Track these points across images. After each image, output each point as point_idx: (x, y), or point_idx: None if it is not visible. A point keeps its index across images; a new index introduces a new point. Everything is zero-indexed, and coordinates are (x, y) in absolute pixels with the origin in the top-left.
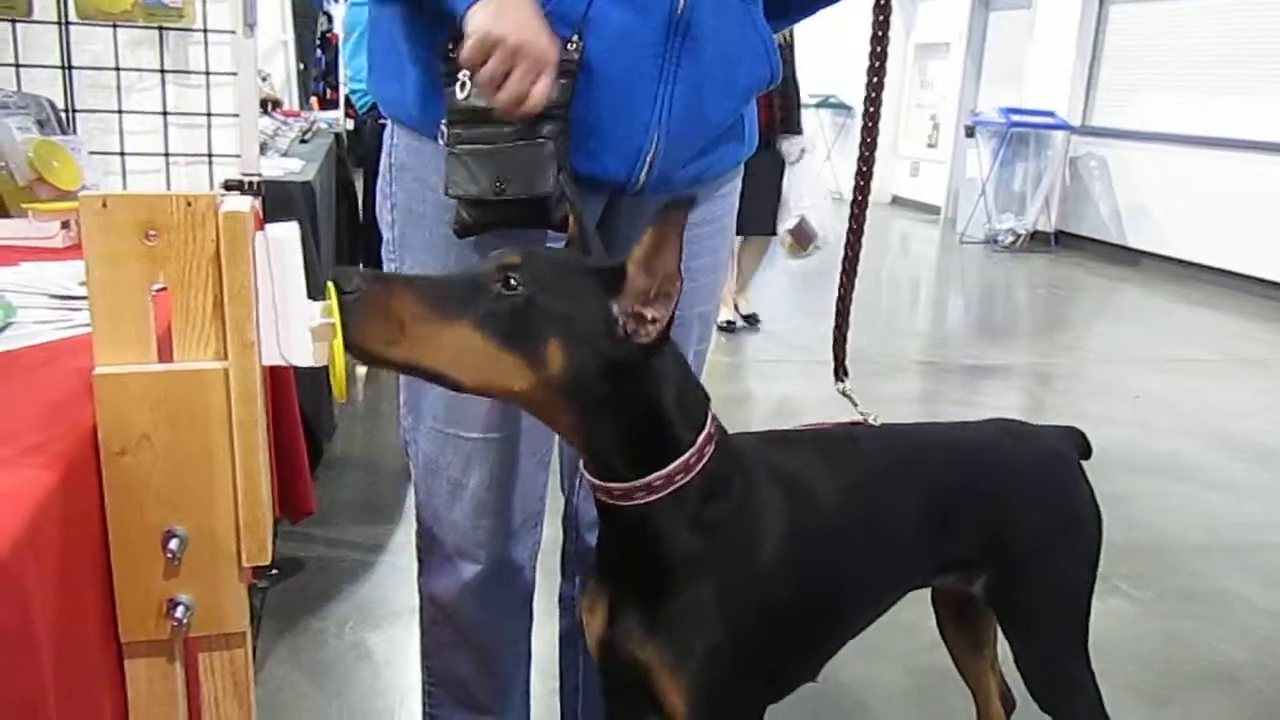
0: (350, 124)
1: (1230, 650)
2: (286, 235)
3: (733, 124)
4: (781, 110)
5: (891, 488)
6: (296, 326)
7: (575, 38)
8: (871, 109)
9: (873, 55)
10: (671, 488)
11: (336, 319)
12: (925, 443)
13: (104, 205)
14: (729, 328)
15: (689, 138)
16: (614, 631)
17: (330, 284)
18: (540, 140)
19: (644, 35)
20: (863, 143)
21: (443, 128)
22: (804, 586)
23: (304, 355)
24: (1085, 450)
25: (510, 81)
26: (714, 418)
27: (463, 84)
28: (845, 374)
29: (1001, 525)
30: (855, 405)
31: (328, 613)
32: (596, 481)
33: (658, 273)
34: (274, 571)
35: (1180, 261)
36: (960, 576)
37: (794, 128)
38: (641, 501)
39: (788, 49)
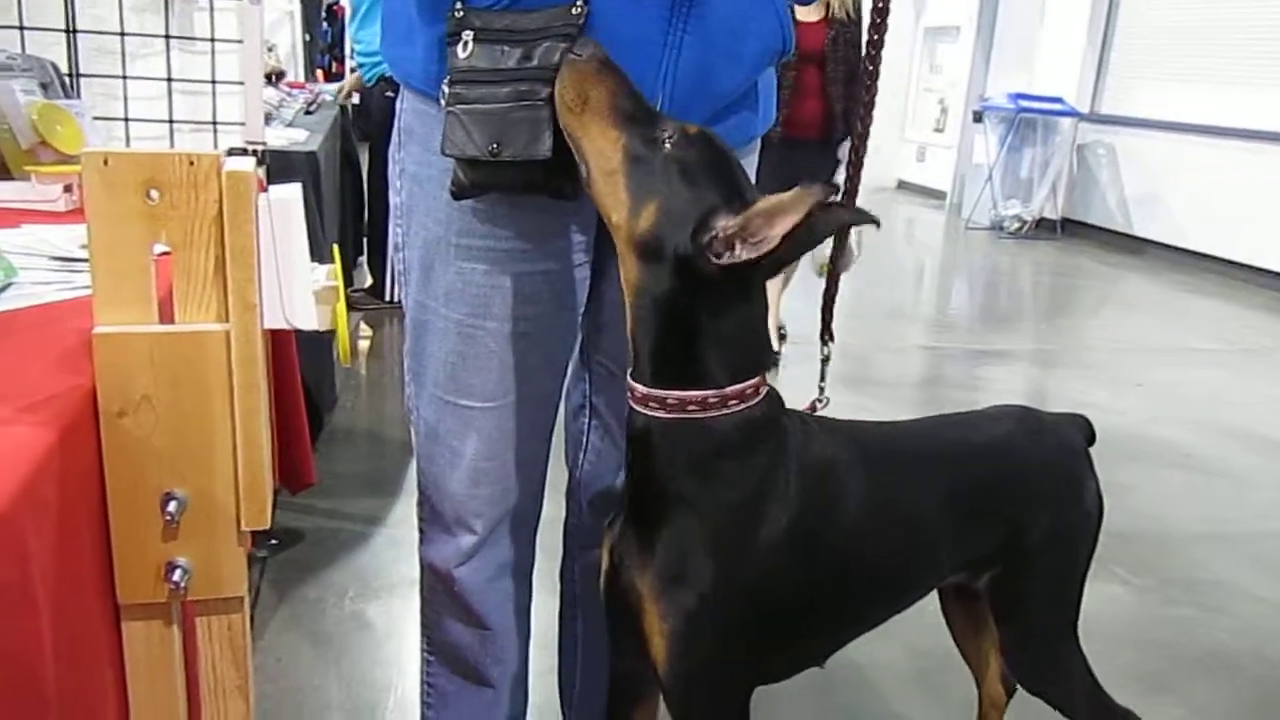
0: (356, 97)
1: (1229, 639)
2: (290, 196)
3: (745, 94)
4: (845, 102)
5: (917, 486)
6: (300, 289)
7: (580, 1)
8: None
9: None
10: (678, 414)
11: (340, 282)
12: (948, 439)
13: (106, 163)
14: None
15: (694, 105)
16: (616, 560)
17: (335, 247)
18: (539, 103)
19: None
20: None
21: (444, 88)
22: (806, 575)
23: (307, 318)
24: (1090, 437)
25: None
26: (769, 394)
27: (465, 44)
28: (831, 338)
29: (1019, 523)
30: (822, 384)
31: (327, 583)
32: (629, 379)
33: (766, 227)
34: (274, 542)
35: (1186, 251)
36: (971, 573)
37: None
38: (650, 413)
39: (853, 26)
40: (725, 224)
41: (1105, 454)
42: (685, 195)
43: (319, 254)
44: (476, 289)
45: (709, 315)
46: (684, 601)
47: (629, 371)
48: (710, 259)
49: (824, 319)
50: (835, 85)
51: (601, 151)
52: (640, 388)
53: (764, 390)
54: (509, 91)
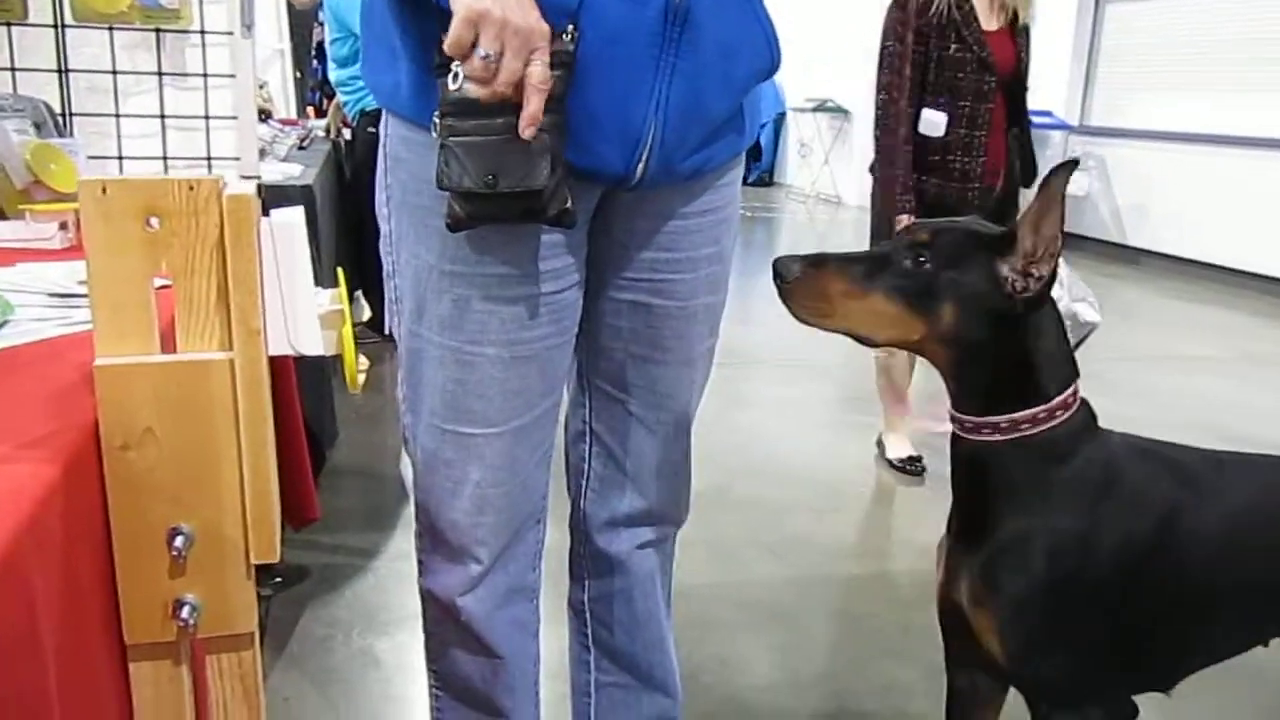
0: (348, 133)
1: None
2: (292, 220)
3: (731, 115)
4: (1021, 149)
5: (1260, 525)
6: (304, 313)
7: (570, 28)
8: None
9: None
10: (1016, 434)
11: (345, 305)
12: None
13: (104, 191)
14: (912, 467)
15: (687, 130)
16: (948, 573)
17: (339, 270)
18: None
19: (641, 25)
20: None
21: (435, 119)
22: (1139, 598)
23: (313, 344)
24: None
25: (504, 62)
26: (1082, 399)
27: (455, 75)
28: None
29: None
30: None
31: (333, 620)
32: (954, 412)
33: (1044, 234)
34: (278, 579)
35: (1181, 259)
36: None
37: (1031, 175)
38: (986, 438)
39: (1022, 37)
40: (1012, 264)
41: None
42: (964, 278)
43: (320, 281)
44: (473, 315)
45: (1028, 339)
46: (1014, 591)
47: (950, 406)
48: (1016, 299)
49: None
50: (1003, 133)
51: (877, 316)
52: (970, 418)
53: (1079, 397)
54: (503, 123)
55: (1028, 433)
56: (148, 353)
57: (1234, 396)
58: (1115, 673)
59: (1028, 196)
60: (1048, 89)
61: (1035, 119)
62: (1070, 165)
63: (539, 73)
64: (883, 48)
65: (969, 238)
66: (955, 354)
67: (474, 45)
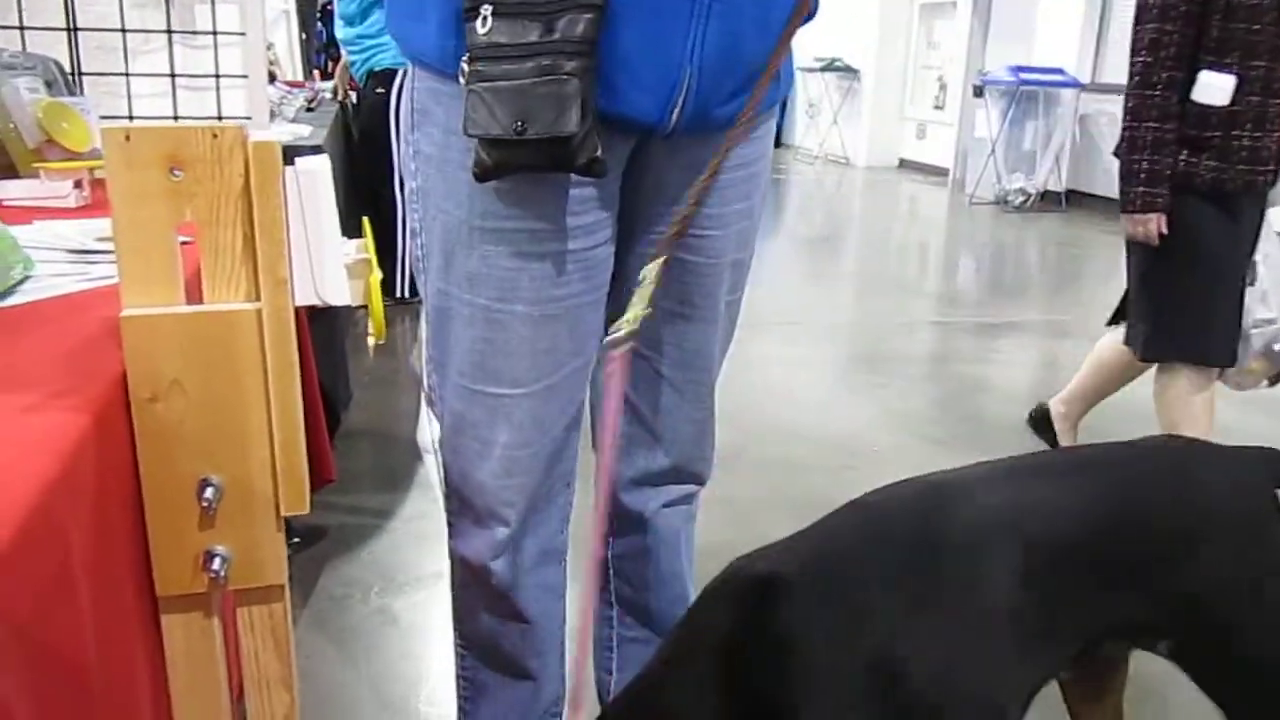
0: (355, 96)
1: None
2: (318, 168)
3: (767, 61)
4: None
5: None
6: (331, 263)
7: None
8: None
9: None
10: None
11: (372, 255)
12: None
13: (127, 139)
14: None
15: (724, 76)
16: None
17: (365, 220)
18: (564, 77)
19: None
20: None
21: (463, 65)
22: None
23: (340, 293)
24: None
25: None
26: None
27: (484, 18)
28: None
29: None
30: None
31: (351, 579)
32: None
33: None
34: (296, 540)
35: None
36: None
37: None
38: None
39: None
40: None
41: (1129, 421)
42: None
43: (343, 234)
44: (502, 272)
45: None
46: None
47: None
48: None
49: None
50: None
51: None
52: None
53: None
54: (532, 67)
55: None
56: (173, 304)
57: None
58: None
59: None
60: (1058, 45)
61: (1046, 76)
62: None
63: None
64: None
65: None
66: None
67: None
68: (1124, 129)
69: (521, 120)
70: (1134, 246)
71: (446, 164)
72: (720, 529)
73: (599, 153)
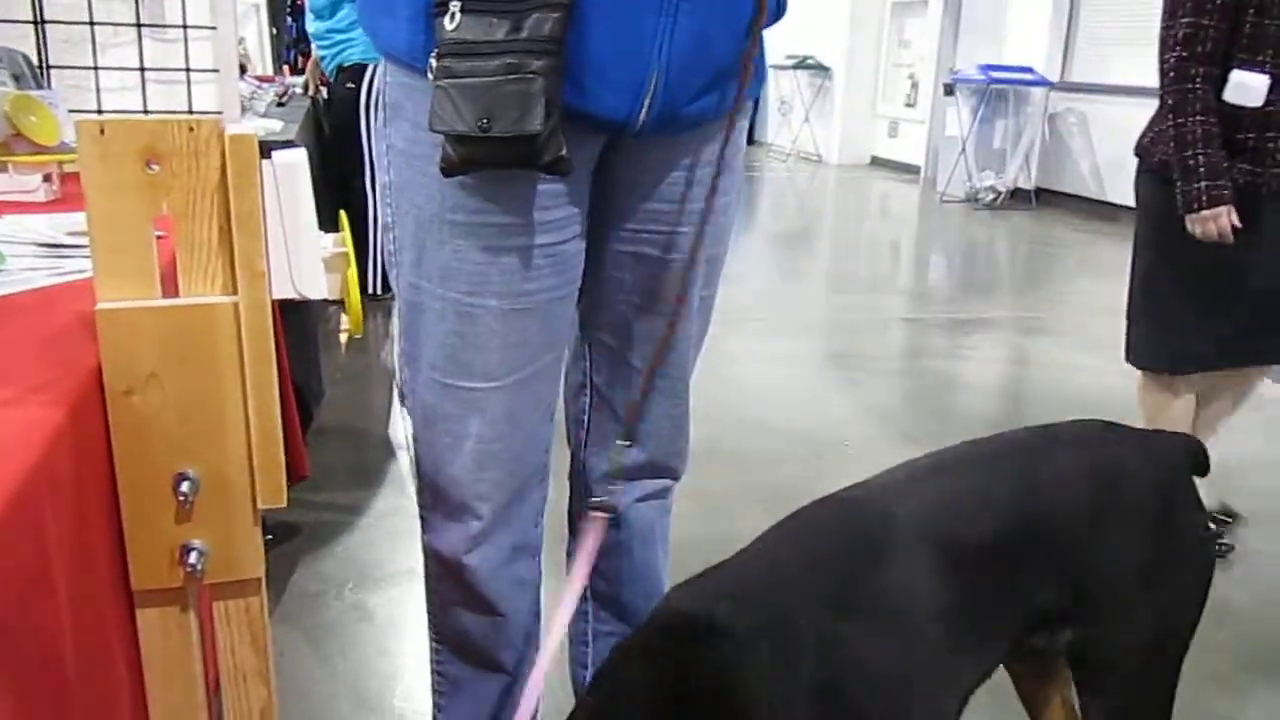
0: (325, 91)
1: (1229, 592)
2: (295, 161)
3: (736, 60)
4: None
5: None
6: (308, 256)
7: None
8: None
9: None
10: None
11: (349, 248)
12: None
13: (102, 132)
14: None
15: (692, 74)
16: None
17: (342, 213)
18: (529, 76)
19: None
20: None
21: (431, 61)
22: None
23: (317, 287)
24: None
25: None
26: None
27: (452, 14)
28: None
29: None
30: None
31: (325, 576)
32: None
33: None
34: (269, 536)
35: None
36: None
37: None
38: None
39: None
40: None
41: (1099, 414)
42: None
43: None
44: (473, 266)
45: None
46: None
47: None
48: None
49: None
50: None
51: None
52: None
53: None
54: (498, 65)
55: None
56: (149, 297)
57: None
58: None
59: None
60: (1027, 44)
61: (1016, 75)
62: None
63: None
64: None
65: None
66: None
67: None
68: (1166, 127)
69: (486, 118)
70: (1141, 248)
71: (417, 159)
72: (692, 522)
73: (564, 151)
